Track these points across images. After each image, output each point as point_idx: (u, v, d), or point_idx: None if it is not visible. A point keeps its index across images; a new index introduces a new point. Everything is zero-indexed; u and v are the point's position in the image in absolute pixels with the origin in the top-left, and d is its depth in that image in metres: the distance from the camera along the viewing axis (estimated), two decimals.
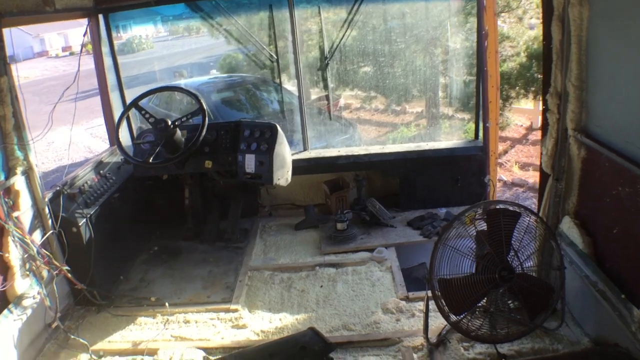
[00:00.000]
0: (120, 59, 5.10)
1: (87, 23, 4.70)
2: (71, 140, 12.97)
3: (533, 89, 9.64)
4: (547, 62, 3.23)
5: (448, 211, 4.94)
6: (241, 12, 5.91)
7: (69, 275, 3.58)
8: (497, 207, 3.04)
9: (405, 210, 5.11)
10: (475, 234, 2.99)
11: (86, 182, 4.06)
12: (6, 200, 3.25)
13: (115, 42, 5.08)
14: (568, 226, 3.26)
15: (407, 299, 3.76)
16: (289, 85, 7.05)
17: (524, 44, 9.57)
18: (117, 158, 4.66)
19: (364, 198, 5.09)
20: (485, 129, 4.81)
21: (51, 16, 3.94)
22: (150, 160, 4.07)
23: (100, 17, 4.81)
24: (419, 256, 4.49)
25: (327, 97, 6.56)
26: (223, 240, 4.83)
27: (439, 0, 6.16)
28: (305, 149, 5.43)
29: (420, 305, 3.63)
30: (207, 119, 4.23)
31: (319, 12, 5.87)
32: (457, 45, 6.70)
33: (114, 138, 4.65)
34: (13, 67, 3.34)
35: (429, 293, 3.06)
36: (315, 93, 7.36)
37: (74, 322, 3.74)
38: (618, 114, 2.78)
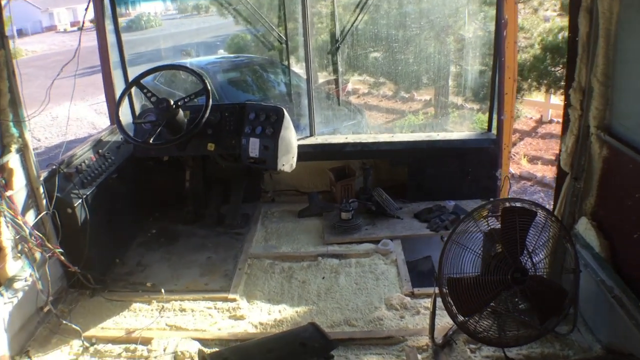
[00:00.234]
0: (128, 36, 4.95)
1: None
2: (69, 116, 12.91)
3: (545, 81, 9.51)
4: (571, 56, 3.07)
5: (457, 204, 4.78)
6: None
7: (62, 257, 3.44)
8: (514, 204, 2.89)
9: (412, 201, 4.96)
10: (487, 232, 2.85)
11: (84, 162, 3.92)
12: None
13: (124, 19, 4.94)
14: (584, 227, 3.12)
15: (412, 295, 3.62)
16: (297, 67, 6.92)
17: (539, 35, 9.43)
18: (117, 137, 4.50)
19: (370, 187, 4.94)
20: (500, 122, 4.63)
21: None
22: (151, 141, 3.94)
23: None
24: (424, 249, 4.34)
25: (335, 82, 6.39)
26: (223, 225, 4.69)
27: None
28: (311, 135, 5.27)
29: (426, 302, 3.50)
30: (210, 99, 4.09)
31: None
32: (472, 34, 6.52)
33: (114, 116, 4.50)
34: (21, 40, 3.20)
35: (437, 291, 2.93)
36: (322, 77, 7.22)
37: (67, 306, 3.62)
38: None
